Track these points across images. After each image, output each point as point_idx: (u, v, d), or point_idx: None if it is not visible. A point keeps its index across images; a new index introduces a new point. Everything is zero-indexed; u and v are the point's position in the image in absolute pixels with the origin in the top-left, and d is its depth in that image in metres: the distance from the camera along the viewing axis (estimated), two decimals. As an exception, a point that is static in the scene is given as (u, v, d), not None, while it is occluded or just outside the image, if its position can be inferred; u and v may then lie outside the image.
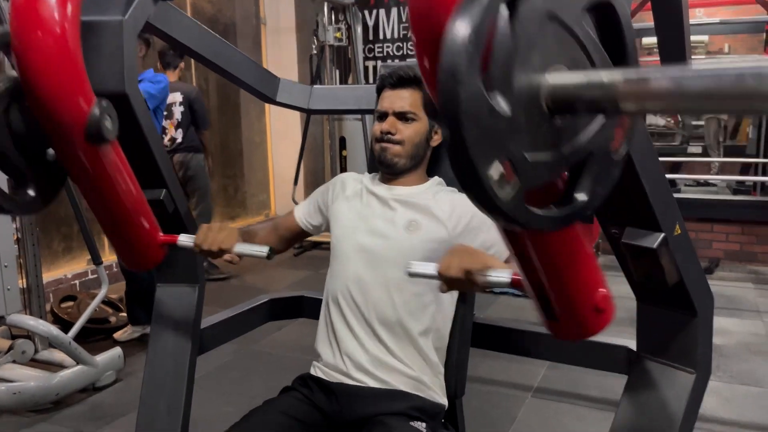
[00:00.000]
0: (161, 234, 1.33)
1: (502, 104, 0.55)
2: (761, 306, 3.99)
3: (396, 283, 1.40)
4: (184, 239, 1.33)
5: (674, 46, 1.23)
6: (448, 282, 1.02)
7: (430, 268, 1.05)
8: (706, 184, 6.68)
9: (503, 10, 0.55)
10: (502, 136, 0.55)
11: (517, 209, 0.58)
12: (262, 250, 1.26)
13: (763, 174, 5.68)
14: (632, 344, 1.39)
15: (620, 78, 0.56)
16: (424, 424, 1.34)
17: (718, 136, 7.87)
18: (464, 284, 1.00)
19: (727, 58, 7.01)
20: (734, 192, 5.92)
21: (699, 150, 8.12)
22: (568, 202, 0.65)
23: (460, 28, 0.52)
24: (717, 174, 7.27)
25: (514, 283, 0.94)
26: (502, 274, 0.96)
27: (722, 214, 5.02)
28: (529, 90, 0.57)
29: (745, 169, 6.54)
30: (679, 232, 0.98)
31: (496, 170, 0.55)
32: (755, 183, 5.65)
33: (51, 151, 1.19)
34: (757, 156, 5.85)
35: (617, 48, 0.66)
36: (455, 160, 0.55)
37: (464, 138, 0.53)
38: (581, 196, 0.65)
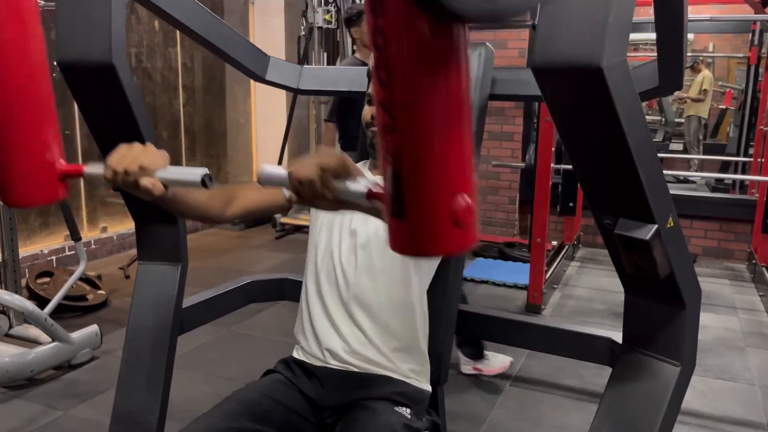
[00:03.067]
0: (62, 162, 0.98)
1: None
2: (737, 302, 4.06)
3: (380, 270, 1.39)
4: (93, 167, 0.97)
5: (672, 43, 1.23)
6: (299, 183, 0.85)
7: (281, 170, 0.90)
8: (686, 180, 6.77)
9: None
10: None
11: None
12: (196, 173, 0.91)
13: (742, 172, 5.76)
14: (615, 336, 1.40)
15: None
16: (408, 410, 1.34)
17: (698, 134, 7.97)
18: (317, 189, 0.84)
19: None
20: (713, 189, 6.00)
21: (680, 147, 8.22)
22: None
23: None
24: (697, 171, 7.37)
25: (370, 195, 0.81)
26: (360, 183, 0.83)
27: (701, 210, 5.09)
28: None
29: (724, 167, 6.64)
30: (672, 224, 0.98)
31: None
32: (734, 181, 5.73)
33: None
34: (737, 155, 5.93)
35: None
36: None
37: None
38: None
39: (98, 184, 4.82)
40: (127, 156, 0.93)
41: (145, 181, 0.92)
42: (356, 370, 1.38)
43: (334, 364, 1.39)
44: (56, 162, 0.96)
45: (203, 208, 1.17)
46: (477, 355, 2.77)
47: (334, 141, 3.70)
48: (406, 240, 0.68)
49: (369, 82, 1.49)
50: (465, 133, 0.65)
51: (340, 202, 0.86)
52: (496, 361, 2.82)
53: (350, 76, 1.78)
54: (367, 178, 0.84)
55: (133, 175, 0.92)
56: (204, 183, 0.90)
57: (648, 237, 0.94)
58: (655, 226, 0.95)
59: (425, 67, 0.60)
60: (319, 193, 0.84)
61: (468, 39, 0.61)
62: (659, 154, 5.99)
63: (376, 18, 0.59)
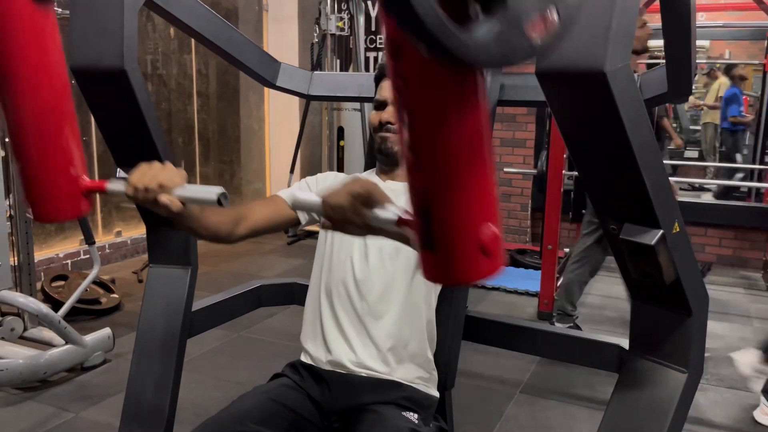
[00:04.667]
0: (85, 178, 1.03)
1: None
2: (751, 311, 4.01)
3: (392, 278, 1.39)
4: (115, 184, 1.03)
5: (681, 49, 1.22)
6: (332, 209, 0.91)
7: (314, 196, 0.94)
8: (701, 188, 6.71)
9: None
10: None
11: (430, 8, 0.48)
12: (212, 192, 0.96)
13: (758, 180, 5.70)
14: (624, 342, 1.39)
15: None
16: (415, 415, 1.34)
17: (714, 142, 7.90)
18: (348, 214, 0.89)
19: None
20: (728, 197, 5.93)
21: (695, 154, 8.15)
22: (471, 31, 0.54)
23: None
24: (712, 178, 7.31)
25: (400, 222, 0.84)
26: (389, 210, 0.87)
27: (716, 218, 5.04)
28: None
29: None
30: (678, 230, 0.98)
31: None
32: (749, 189, 5.67)
33: None
34: (753, 162, 5.88)
35: None
36: None
37: None
38: (485, 32, 0.54)
39: (119, 200, 4.87)
40: (147, 174, 0.99)
41: (164, 198, 0.98)
42: (364, 375, 1.38)
43: (341, 370, 1.39)
44: (80, 178, 1.02)
45: (214, 228, 1.20)
46: None
47: None
48: (438, 270, 0.73)
49: (377, 88, 1.50)
50: (487, 166, 0.67)
51: (370, 228, 0.91)
52: None
53: (360, 82, 1.79)
54: (397, 206, 0.88)
55: (153, 193, 0.98)
56: (219, 201, 0.95)
57: (653, 242, 0.94)
58: (661, 232, 0.95)
59: (445, 109, 0.62)
60: (350, 220, 0.90)
61: (484, 78, 0.63)
62: (674, 162, 5.94)
63: (396, 63, 0.61)
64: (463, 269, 0.70)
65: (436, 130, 0.63)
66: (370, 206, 0.88)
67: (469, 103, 0.63)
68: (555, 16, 0.58)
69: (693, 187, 6.60)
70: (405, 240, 0.86)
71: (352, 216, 0.89)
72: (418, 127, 0.64)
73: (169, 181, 0.98)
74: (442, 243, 0.70)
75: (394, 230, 0.87)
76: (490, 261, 0.70)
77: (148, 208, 1.00)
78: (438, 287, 1.46)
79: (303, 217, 1.43)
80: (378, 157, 1.50)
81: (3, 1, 0.89)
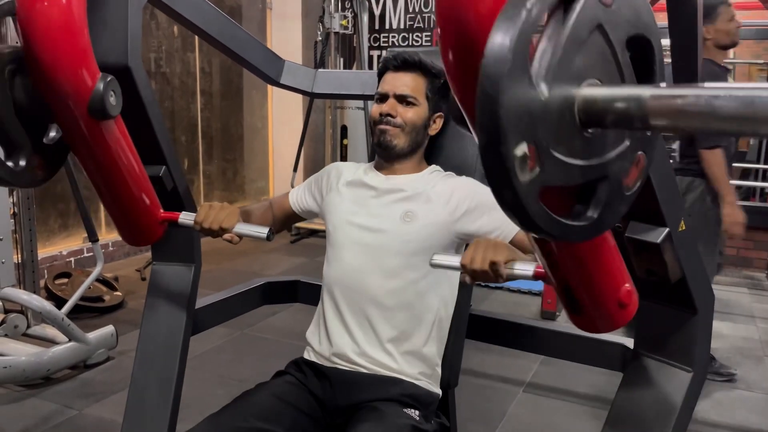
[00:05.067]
0: (162, 211, 1.32)
1: (542, 88, 0.56)
2: (755, 311, 4.00)
3: (396, 272, 1.39)
4: (185, 217, 1.31)
5: (687, 50, 1.22)
6: (472, 274, 1.04)
7: (455, 261, 1.07)
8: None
9: (557, 13, 0.58)
10: (535, 118, 0.56)
11: (531, 199, 0.57)
12: (263, 231, 1.25)
13: (763, 180, 5.68)
14: (628, 342, 1.39)
15: (652, 93, 0.57)
16: (417, 412, 1.34)
17: (719, 141, 7.87)
18: (489, 276, 1.02)
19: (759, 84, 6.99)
20: (733, 197, 5.90)
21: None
22: (578, 216, 0.66)
23: (506, 33, 0.54)
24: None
25: (537, 276, 0.95)
26: (526, 267, 0.98)
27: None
28: (566, 95, 0.59)
29: (745, 174, 6.55)
30: (684, 228, 0.97)
31: (521, 149, 0.55)
32: (754, 188, 5.65)
33: (55, 128, 1.18)
34: (757, 162, 5.85)
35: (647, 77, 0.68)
36: (483, 133, 0.55)
37: (499, 112, 0.53)
38: (591, 213, 0.66)
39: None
40: (210, 215, 1.29)
41: (227, 237, 1.30)
42: (366, 371, 1.38)
43: (343, 365, 1.39)
44: (158, 211, 1.31)
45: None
46: None
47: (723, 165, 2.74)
48: (586, 326, 0.87)
49: (379, 82, 1.50)
50: (610, 246, 0.82)
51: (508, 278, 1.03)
52: None
53: (363, 80, 1.79)
54: (532, 262, 0.99)
55: (216, 232, 1.29)
56: (268, 238, 1.25)
57: (659, 240, 0.94)
58: (666, 230, 0.94)
59: (580, 259, 0.79)
60: (491, 280, 1.03)
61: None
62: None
63: (542, 245, 0.79)
64: (608, 323, 0.85)
65: (574, 262, 0.80)
66: (509, 264, 1.01)
67: (595, 247, 0.80)
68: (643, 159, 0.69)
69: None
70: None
71: (495, 278, 1.02)
72: (563, 270, 0.81)
73: (227, 224, 1.28)
74: (587, 310, 0.84)
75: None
76: (628, 309, 0.85)
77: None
78: (445, 281, 1.45)
79: (301, 210, 1.62)
80: (377, 151, 1.50)
81: (70, 122, 1.10)
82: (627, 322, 0.86)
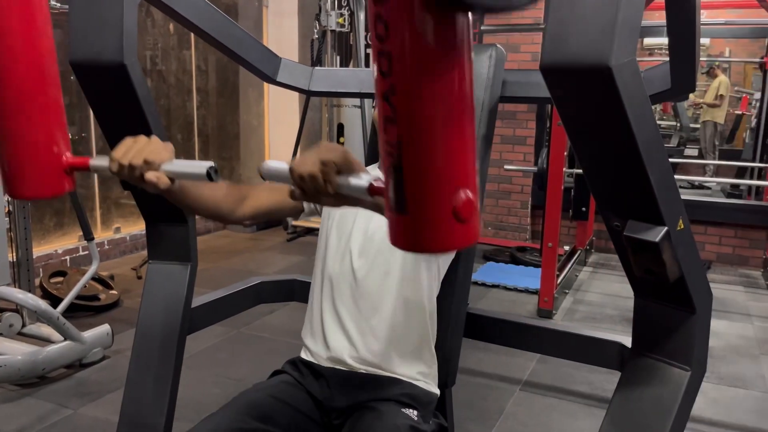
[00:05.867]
0: (68, 155, 0.98)
1: None
2: (751, 309, 4.01)
3: (391, 271, 1.38)
4: (99, 160, 0.98)
5: (685, 46, 1.22)
6: (301, 178, 0.85)
7: (283, 164, 0.90)
8: (701, 186, 6.70)
9: None
10: None
11: None
12: (201, 165, 0.92)
13: (758, 179, 5.70)
14: (625, 340, 1.39)
15: None
16: (415, 412, 1.33)
17: (714, 140, 7.90)
18: (319, 183, 0.84)
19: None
20: (728, 195, 5.93)
21: (695, 152, 8.15)
22: None
23: None
24: (712, 177, 7.31)
25: (372, 190, 0.80)
26: (362, 178, 0.82)
27: (716, 216, 5.04)
28: None
29: (740, 173, 6.57)
30: (682, 227, 0.97)
31: None
32: (749, 187, 5.67)
33: None
34: (753, 160, 5.87)
35: None
36: None
37: None
38: None
39: (108, 180, 4.86)
40: (132, 149, 0.93)
41: (151, 175, 0.92)
42: (363, 371, 1.37)
43: (341, 366, 1.39)
44: (62, 155, 0.97)
45: (213, 205, 1.17)
46: None
47: None
48: (407, 235, 0.68)
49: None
50: (467, 126, 0.64)
51: (343, 198, 0.85)
52: None
53: (360, 78, 1.78)
54: (370, 173, 0.83)
55: (139, 169, 0.92)
56: (209, 176, 0.91)
57: (657, 239, 0.93)
58: (665, 228, 0.94)
59: (427, 57, 0.59)
60: (321, 188, 0.83)
61: (471, 30, 0.61)
62: (674, 160, 5.94)
63: (377, 5, 0.59)
64: (435, 235, 0.66)
65: (415, 79, 0.60)
66: (343, 174, 0.83)
67: (453, 52, 0.60)
68: None
69: (692, 185, 6.60)
70: (381, 210, 0.80)
71: (324, 185, 0.83)
72: (396, 75, 0.60)
73: (155, 157, 0.93)
74: (413, 204, 0.65)
75: (369, 200, 0.83)
76: (465, 228, 0.66)
77: (135, 185, 0.96)
78: (439, 280, 1.45)
79: (307, 206, 1.42)
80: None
81: None
82: (460, 247, 0.67)
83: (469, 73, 0.62)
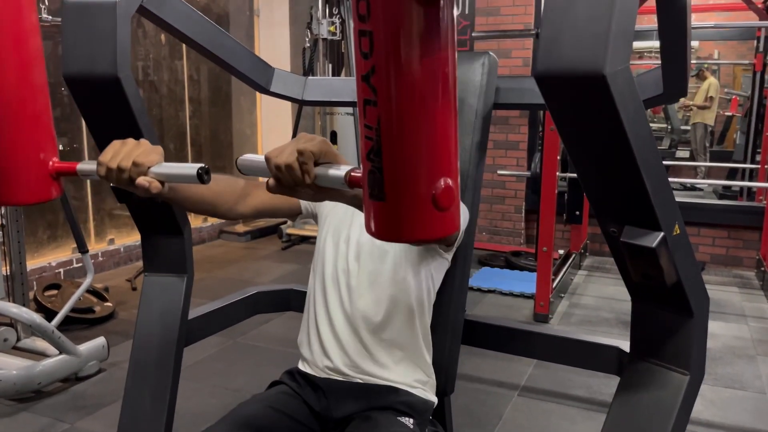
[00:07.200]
0: (55, 160, 0.98)
1: None
2: (746, 310, 4.03)
3: (384, 280, 1.38)
4: (87, 165, 0.96)
5: (676, 50, 1.22)
6: (278, 170, 0.82)
7: (261, 157, 0.86)
8: (693, 188, 6.74)
9: None
10: None
11: None
12: (191, 167, 0.89)
13: (750, 179, 5.73)
14: (623, 345, 1.39)
15: None
16: (411, 420, 1.33)
17: (704, 141, 7.94)
18: (296, 174, 0.81)
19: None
20: (720, 197, 5.97)
21: (686, 154, 8.20)
22: None
23: None
24: (703, 178, 7.35)
25: (350, 180, 0.77)
26: (340, 168, 0.80)
27: (709, 218, 5.07)
28: None
29: (731, 174, 6.61)
30: (678, 231, 0.97)
31: None
32: (741, 188, 5.70)
33: None
34: (744, 162, 5.91)
35: None
36: None
37: None
38: None
39: (101, 191, 4.84)
40: (121, 152, 0.91)
41: (141, 180, 0.90)
42: (360, 381, 1.37)
43: (337, 376, 1.38)
44: (49, 160, 0.96)
45: (211, 201, 1.16)
46: None
47: None
48: (385, 223, 0.66)
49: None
50: (449, 110, 0.63)
51: (322, 190, 0.83)
52: None
53: (354, 86, 1.78)
54: (349, 164, 0.81)
55: (127, 172, 0.90)
56: (200, 177, 0.88)
57: (654, 244, 0.94)
58: (661, 234, 0.94)
59: (410, 35, 0.58)
60: (298, 179, 0.81)
61: (454, 9, 0.61)
62: (666, 162, 5.99)
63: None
64: (414, 223, 0.64)
65: (397, 60, 0.58)
66: (321, 165, 0.81)
67: (437, 34, 0.59)
68: None
69: (684, 187, 6.63)
70: (360, 205, 0.78)
71: (302, 175, 0.81)
72: (377, 56, 0.59)
73: (144, 159, 0.90)
74: (392, 191, 0.63)
75: (349, 193, 0.81)
76: (444, 217, 0.64)
77: (125, 189, 0.94)
78: (435, 290, 1.44)
79: (305, 208, 1.42)
80: None
81: None
82: (439, 236, 0.66)
83: (453, 55, 0.61)
